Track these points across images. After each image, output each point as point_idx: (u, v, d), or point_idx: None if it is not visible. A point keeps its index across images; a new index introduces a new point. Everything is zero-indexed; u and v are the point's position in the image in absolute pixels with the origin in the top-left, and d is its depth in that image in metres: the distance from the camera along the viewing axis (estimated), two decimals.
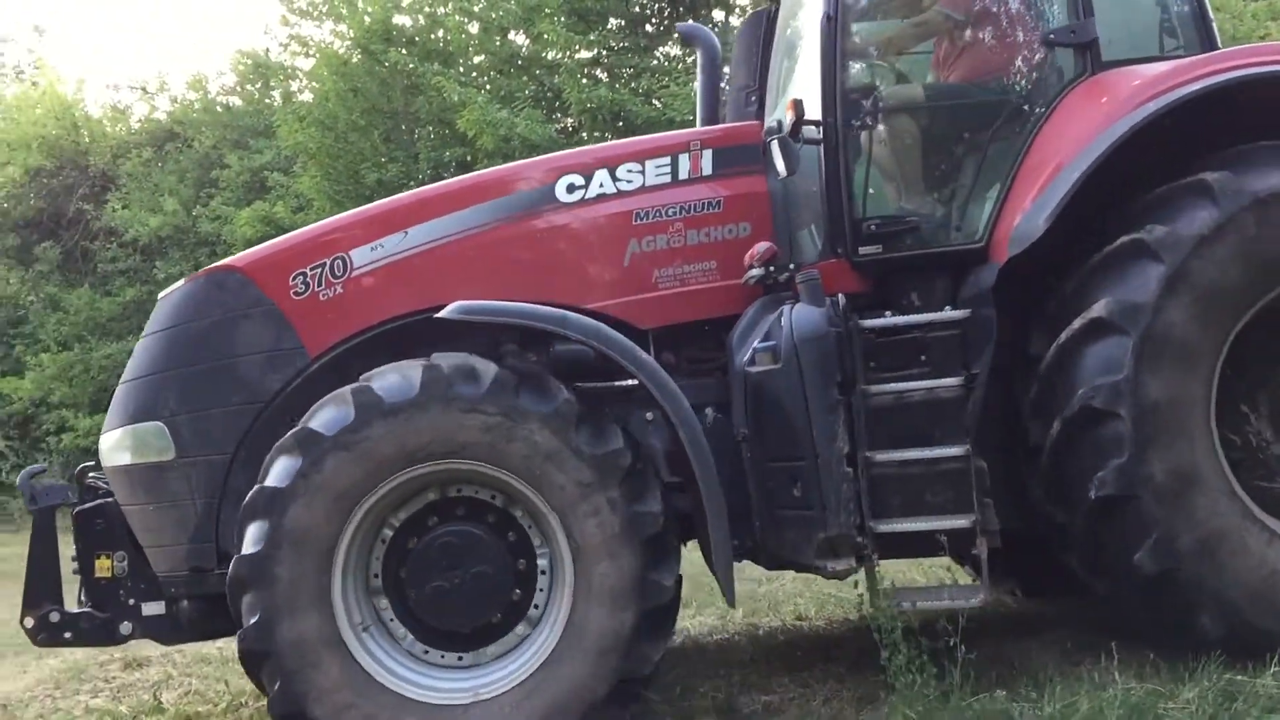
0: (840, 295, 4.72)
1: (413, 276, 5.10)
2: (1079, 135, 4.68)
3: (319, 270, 5.04)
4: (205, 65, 41.63)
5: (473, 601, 4.48)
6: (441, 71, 17.17)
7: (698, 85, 6.28)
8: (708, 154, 5.34)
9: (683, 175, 5.33)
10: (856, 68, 5.22)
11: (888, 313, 4.99)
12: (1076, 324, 4.50)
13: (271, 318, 4.98)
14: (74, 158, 24.19)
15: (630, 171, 5.30)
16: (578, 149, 6.13)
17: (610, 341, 4.53)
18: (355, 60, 18.74)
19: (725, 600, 4.62)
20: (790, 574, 6.61)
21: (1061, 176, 4.58)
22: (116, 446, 4.98)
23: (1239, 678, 4.18)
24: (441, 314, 4.54)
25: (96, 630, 5.00)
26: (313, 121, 18.61)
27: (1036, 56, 5.09)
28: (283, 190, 20.26)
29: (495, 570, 4.49)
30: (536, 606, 4.55)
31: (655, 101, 15.84)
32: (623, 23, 18.21)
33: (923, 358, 4.84)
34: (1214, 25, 5.15)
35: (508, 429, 4.33)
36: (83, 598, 5.06)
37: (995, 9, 5.18)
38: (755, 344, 4.73)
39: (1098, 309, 4.44)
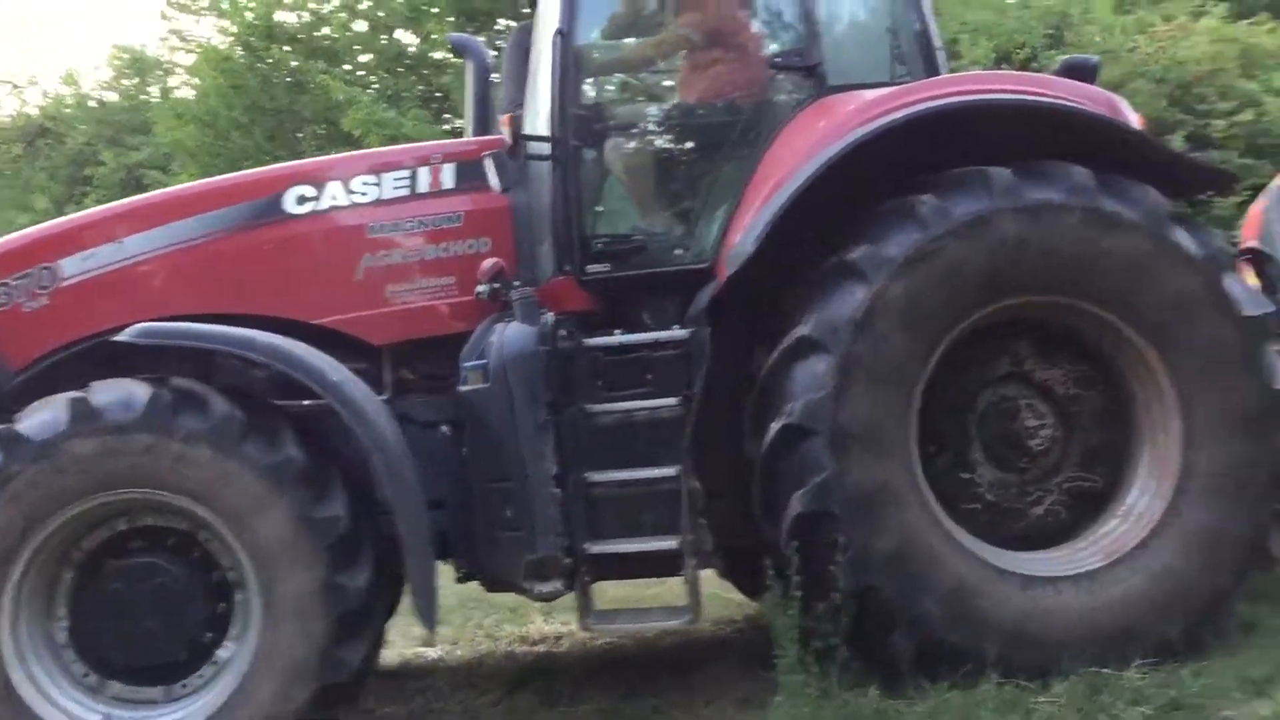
0: (551, 314, 4.66)
1: (127, 289, 4.93)
2: (798, 156, 4.71)
3: (23, 280, 4.83)
4: (80, 60, 40.20)
5: (162, 636, 4.35)
6: (327, 70, 16.86)
7: (468, 98, 6.18)
8: (449, 167, 5.26)
9: (422, 188, 5.23)
10: (590, 84, 5.18)
11: (617, 331, 4.96)
12: (785, 342, 4.51)
13: None
14: None
15: (366, 184, 5.19)
16: (312, 159, 6.00)
17: (297, 363, 4.42)
18: (237, 57, 18.28)
19: (424, 624, 4.51)
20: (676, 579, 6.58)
21: (776, 197, 4.60)
22: None
23: (1105, 671, 4.25)
24: (118, 338, 4.38)
25: None
26: (192, 119, 18.14)
27: (768, 79, 5.11)
28: (160, 188, 19.62)
29: (183, 600, 4.37)
30: (232, 629, 4.41)
31: None
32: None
33: (649, 377, 4.82)
34: (938, 53, 5.22)
35: (167, 451, 4.22)
36: None
37: (731, 32, 5.18)
38: (466, 363, 4.64)
39: (803, 328, 4.45)
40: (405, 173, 5.23)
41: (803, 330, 4.45)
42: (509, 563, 4.57)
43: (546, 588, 4.52)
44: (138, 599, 4.33)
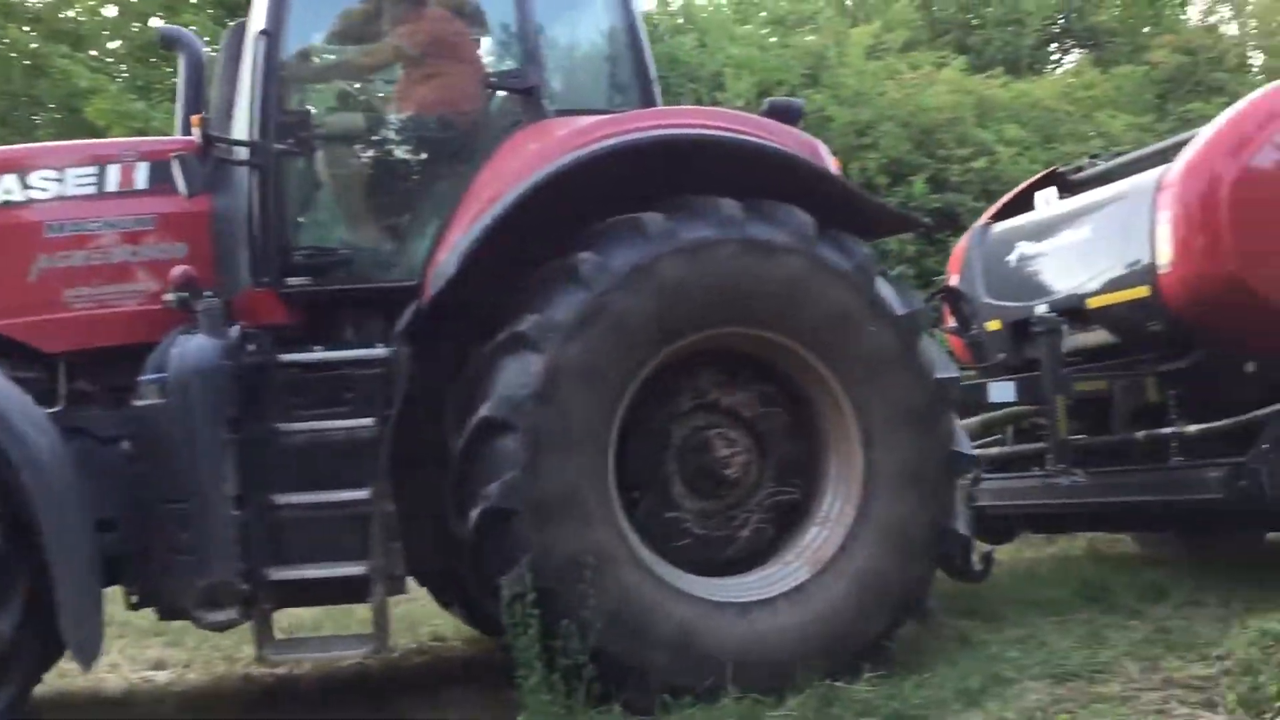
0: (237, 327, 4.42)
1: None
2: (508, 178, 4.65)
3: None
4: None
5: None
6: (69, 54, 15.64)
7: (178, 94, 5.83)
8: (143, 166, 4.93)
9: (111, 187, 4.89)
10: (299, 89, 4.98)
11: (318, 348, 4.75)
12: (472, 421, 4.38)
13: None
14: None
15: (46, 179, 4.82)
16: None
17: None
18: None
19: (78, 660, 4.16)
20: (425, 593, 6.29)
21: (481, 218, 4.52)
22: None
23: (838, 684, 4.32)
24: None
25: None
26: None
27: (486, 98, 5.05)
28: None
29: None
30: None
31: None
32: None
33: (347, 395, 4.63)
34: (654, 85, 5.28)
35: None
36: None
37: (449, 48, 5.09)
38: (143, 376, 4.35)
39: (485, 407, 4.34)
40: (92, 169, 4.88)
41: (485, 410, 4.34)
42: (181, 589, 4.28)
43: (219, 616, 4.26)
44: None
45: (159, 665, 6.13)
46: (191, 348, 4.29)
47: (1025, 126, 13.24)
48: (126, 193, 4.90)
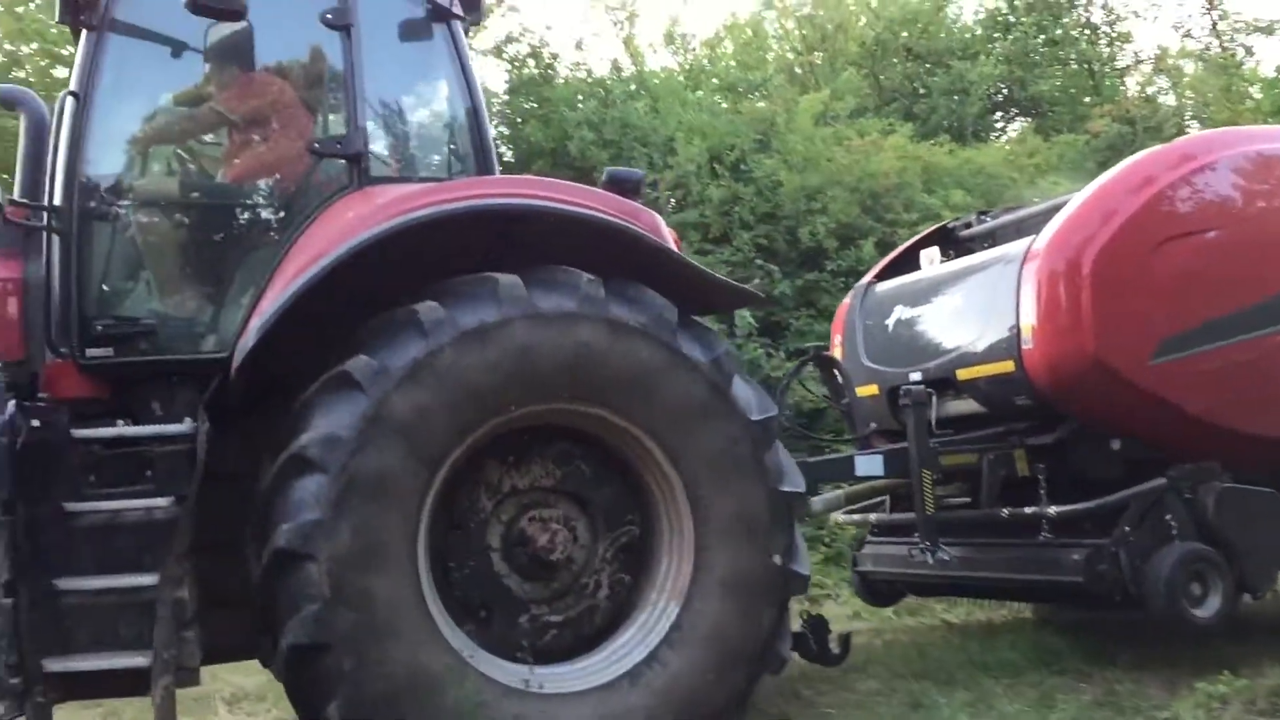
0: (13, 402, 4.21)
1: None
2: (322, 246, 4.47)
3: None
4: None
5: None
6: None
7: (20, 155, 5.62)
8: None
9: None
10: (109, 152, 4.79)
11: (121, 422, 4.55)
12: (283, 457, 4.21)
13: None
14: None
15: None
16: None
17: None
18: None
19: None
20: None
21: (288, 289, 4.34)
22: None
23: None
24: None
25: None
26: None
27: (309, 164, 4.89)
28: None
29: None
30: None
31: None
32: None
33: (148, 474, 4.43)
34: (493, 153, 5.15)
35: None
36: None
37: (274, 113, 4.93)
38: None
39: (299, 443, 4.15)
40: None
41: (297, 446, 4.15)
42: None
43: None
44: None
45: None
46: None
47: (971, 192, 13.32)
48: None
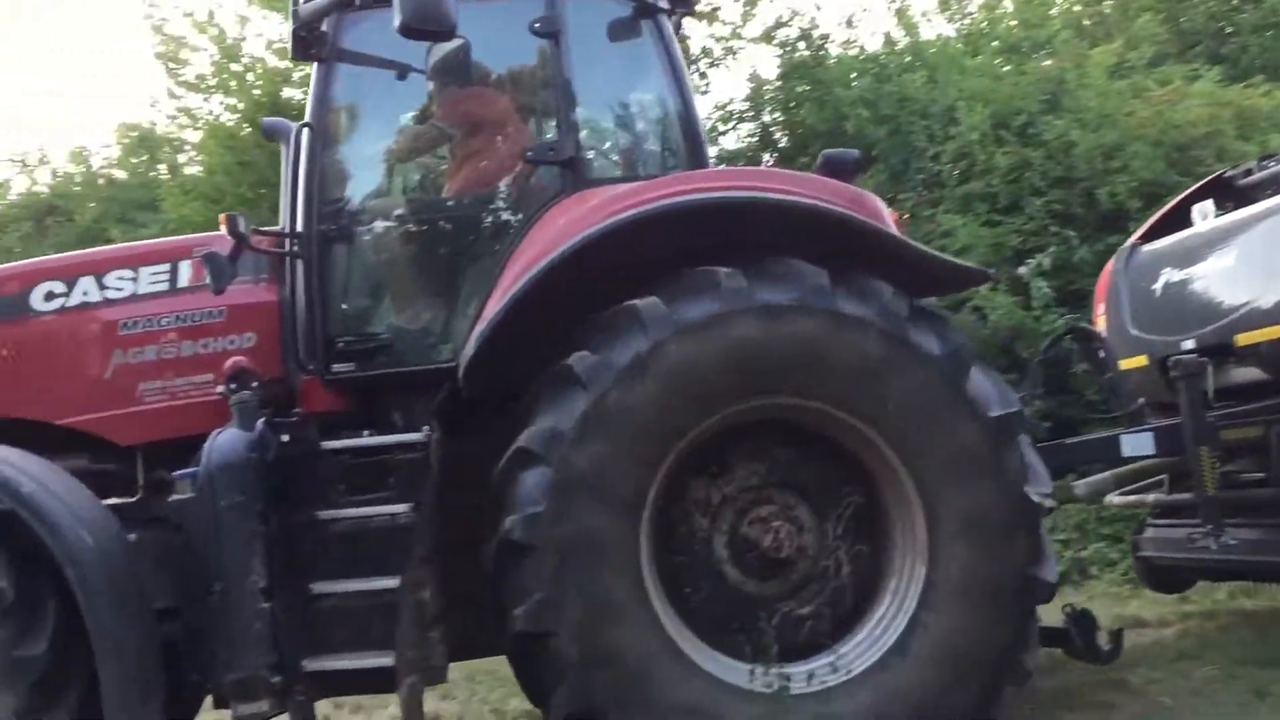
0: (264, 419, 4.49)
1: None
2: (538, 251, 4.55)
3: None
4: (88, 139, 40.50)
5: None
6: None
7: (283, 184, 6.05)
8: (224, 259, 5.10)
9: (182, 283, 5.08)
10: (342, 177, 5.04)
11: (366, 433, 4.79)
12: (509, 451, 4.32)
13: None
14: None
15: (121, 279, 5.05)
16: (67, 254, 5.88)
17: None
18: (244, 133, 18.24)
19: None
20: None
21: (506, 296, 4.44)
22: None
23: None
24: None
25: None
26: (199, 195, 18.11)
27: (525, 172, 4.98)
28: None
29: None
30: None
31: None
32: None
33: (390, 481, 4.64)
34: (705, 147, 5.08)
35: None
36: None
37: (490, 126, 5.07)
38: (177, 472, 4.48)
39: (523, 438, 4.26)
40: (164, 267, 5.09)
41: (522, 441, 4.26)
42: (220, 681, 4.37)
43: (250, 709, 4.30)
44: None
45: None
46: (220, 443, 4.39)
47: None
48: (197, 287, 5.07)
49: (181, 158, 23.43)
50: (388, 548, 4.48)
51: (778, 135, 14.29)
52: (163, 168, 24.17)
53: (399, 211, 5.08)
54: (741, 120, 14.42)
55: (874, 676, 4.34)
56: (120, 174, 25.19)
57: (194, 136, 21.66)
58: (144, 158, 25.20)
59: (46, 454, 4.68)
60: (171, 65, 19.23)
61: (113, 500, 4.75)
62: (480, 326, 4.44)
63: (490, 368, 4.46)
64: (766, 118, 14.14)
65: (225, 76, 19.13)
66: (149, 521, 4.70)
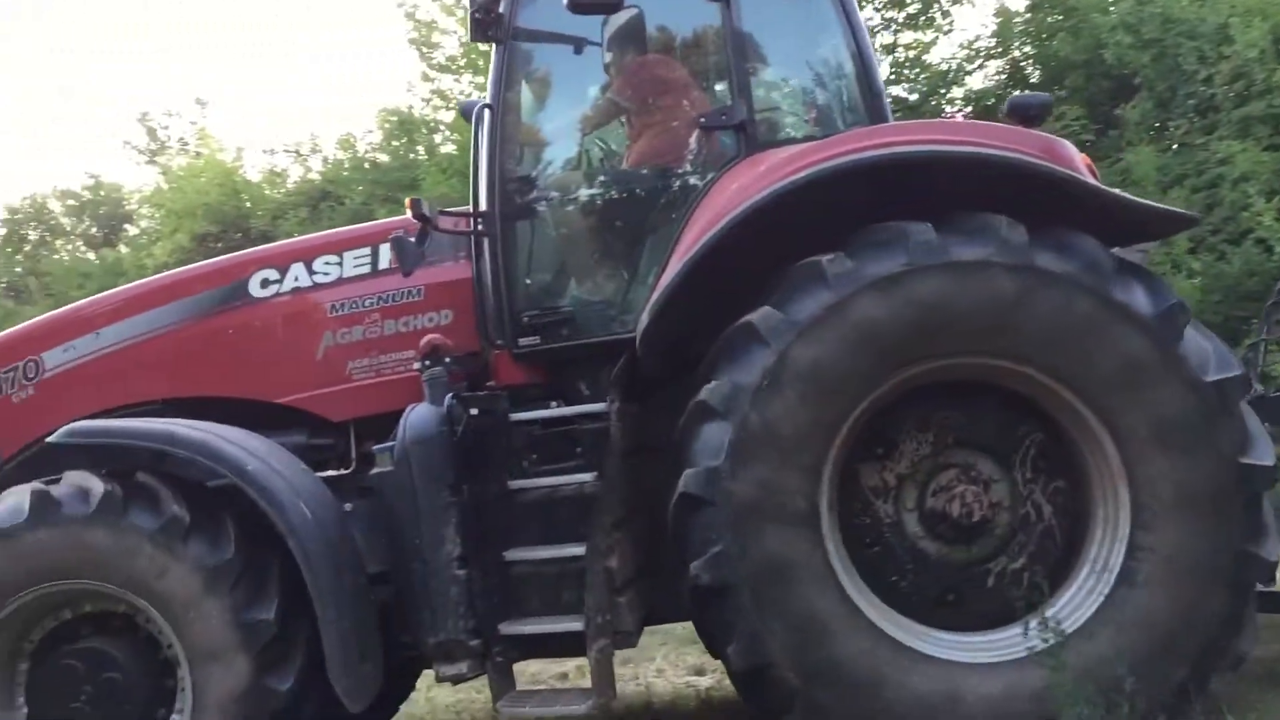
0: (453, 393, 4.66)
1: (105, 377, 5.26)
2: (711, 218, 4.53)
3: (11, 373, 5.26)
4: (353, 125, 43.11)
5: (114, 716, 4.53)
6: None
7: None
8: (411, 242, 5.33)
9: (383, 265, 5.33)
10: (522, 155, 5.15)
11: (554, 404, 4.92)
12: (690, 405, 4.32)
13: None
14: (236, 221, 25.31)
15: (327, 264, 5.35)
16: (279, 243, 6.21)
17: (214, 453, 4.54)
18: None
19: (347, 705, 4.54)
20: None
21: (678, 264, 4.44)
22: None
23: None
24: (50, 439, 4.65)
25: None
26: (454, 172, 19.05)
27: (701, 139, 4.96)
28: None
29: (131, 681, 4.54)
30: (178, 704, 4.58)
31: None
32: None
33: (578, 450, 4.75)
34: (884, 101, 4.92)
35: (116, 547, 4.41)
36: None
37: (665, 93, 5.06)
38: (376, 446, 4.72)
39: (704, 392, 4.25)
40: (366, 250, 5.35)
41: (703, 395, 4.25)
42: (422, 644, 4.59)
43: (451, 670, 4.52)
44: (87, 682, 4.52)
45: (699, 671, 6.63)
46: (413, 418, 4.60)
47: None
48: (395, 269, 5.30)
49: (437, 138, 24.54)
50: (576, 516, 4.58)
51: (1029, 70, 13.66)
52: (421, 149, 25.38)
53: (578, 185, 5.16)
54: (990, 57, 13.90)
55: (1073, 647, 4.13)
56: (383, 157, 26.52)
57: (447, 117, 22.67)
58: (403, 140, 26.50)
59: (267, 430, 5.03)
60: (424, 49, 20.11)
61: (328, 473, 5.06)
62: (653, 297, 4.45)
63: (665, 337, 4.47)
64: (1016, 52, 13.56)
65: (474, 56, 19.82)
66: (362, 492, 4.96)
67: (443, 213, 4.94)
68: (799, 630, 4.13)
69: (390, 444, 4.65)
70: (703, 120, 4.92)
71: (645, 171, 5.04)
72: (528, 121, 5.23)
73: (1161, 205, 4.62)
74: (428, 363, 4.91)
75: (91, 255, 27.95)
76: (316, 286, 5.33)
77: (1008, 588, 4.41)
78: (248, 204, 25.36)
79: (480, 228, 5.01)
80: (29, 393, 5.26)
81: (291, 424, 5.21)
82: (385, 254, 5.33)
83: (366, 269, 5.34)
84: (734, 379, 4.20)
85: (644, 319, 4.45)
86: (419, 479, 4.53)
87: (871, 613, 4.22)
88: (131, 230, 28.03)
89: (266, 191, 25.79)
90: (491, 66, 5.10)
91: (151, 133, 29.10)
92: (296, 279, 5.34)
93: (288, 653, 4.51)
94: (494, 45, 5.10)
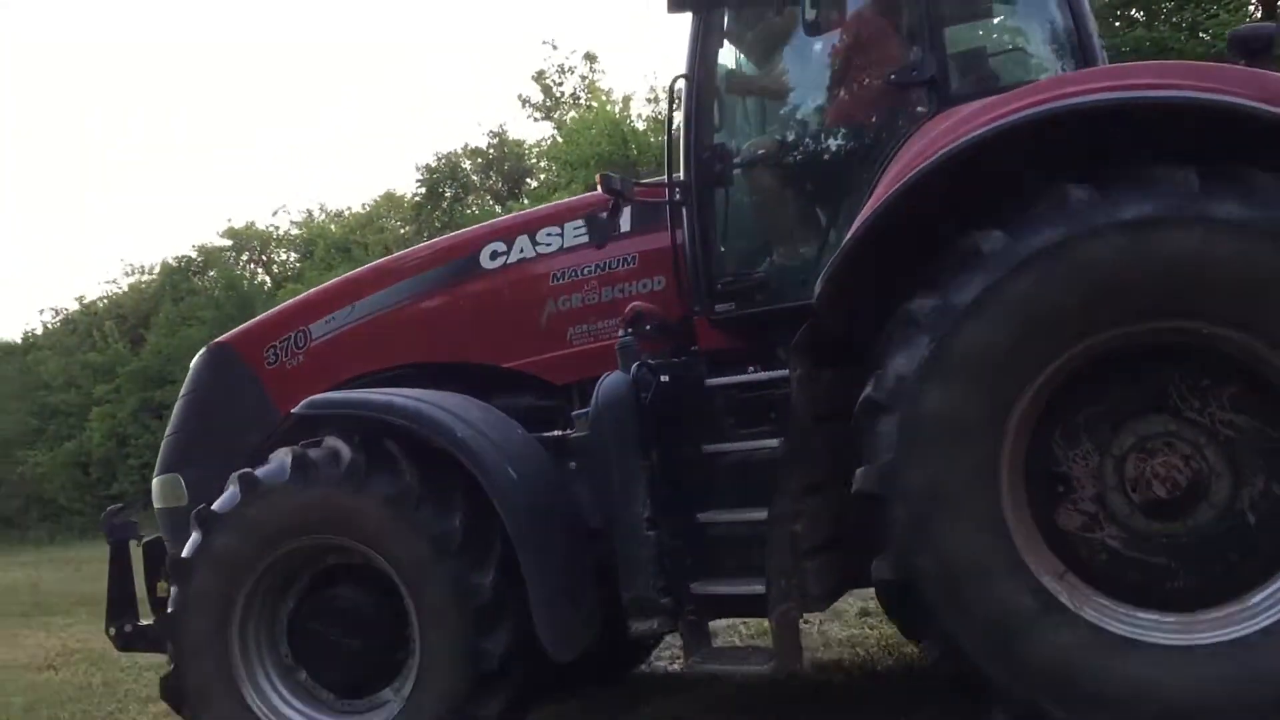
0: (642, 360, 4.82)
1: (360, 344, 5.85)
2: (895, 177, 4.43)
3: (285, 342, 5.94)
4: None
5: (360, 654, 5.04)
6: None
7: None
8: (626, 211, 5.53)
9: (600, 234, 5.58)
10: (715, 124, 5.19)
11: (752, 368, 5.00)
12: (860, 400, 4.27)
13: (252, 385, 5.93)
14: (624, 170, 26.95)
15: (549, 235, 5.66)
16: (508, 216, 6.52)
17: (427, 422, 4.88)
18: None
19: (553, 656, 4.77)
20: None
21: (858, 224, 4.37)
22: (154, 492, 6.17)
23: None
24: (293, 410, 5.19)
25: (159, 639, 5.92)
26: None
27: (893, 97, 4.82)
28: None
29: (377, 632, 5.01)
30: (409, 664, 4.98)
31: (1202, 34, 14.89)
32: None
33: (772, 415, 4.82)
34: (1094, 40, 4.56)
35: (358, 509, 4.84)
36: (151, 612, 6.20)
37: (858, 53, 4.94)
38: (576, 411, 4.97)
39: (870, 386, 4.20)
40: (582, 221, 5.61)
41: (869, 389, 4.21)
42: (621, 601, 4.82)
43: (644, 626, 4.72)
44: (339, 626, 5.06)
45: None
46: (605, 385, 4.81)
47: None
48: (614, 237, 5.53)
49: None
50: (759, 480, 4.64)
51: None
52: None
53: (770, 151, 5.14)
54: None
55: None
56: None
57: None
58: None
59: (498, 394, 5.44)
60: None
61: (553, 434, 5.38)
62: (830, 260, 4.41)
63: (844, 300, 4.43)
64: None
65: None
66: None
67: (637, 184, 5.08)
68: (992, 628, 4.02)
69: (585, 410, 4.90)
70: (893, 77, 4.78)
71: (840, 133, 4.98)
72: (720, 90, 5.25)
73: None
74: (630, 330, 5.11)
75: (498, 208, 29.98)
76: (540, 257, 5.64)
77: (1230, 561, 4.08)
78: (635, 152, 26.29)
79: (678, 197, 5.12)
80: (300, 359, 5.93)
81: (520, 388, 5.58)
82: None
83: (584, 238, 5.59)
84: (898, 369, 4.12)
85: (819, 282, 4.43)
86: (611, 443, 4.75)
87: (1072, 600, 4.05)
88: (532, 183, 29.86)
89: (651, 139, 26.40)
90: (689, 38, 5.16)
91: (547, 90, 30.79)
92: (522, 250, 5.68)
93: (501, 616, 4.77)
94: (691, 14, 5.15)
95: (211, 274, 35.70)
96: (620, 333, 5.17)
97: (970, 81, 4.74)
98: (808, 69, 5.20)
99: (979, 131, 4.08)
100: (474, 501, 4.84)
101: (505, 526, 4.77)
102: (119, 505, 6.39)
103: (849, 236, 4.33)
